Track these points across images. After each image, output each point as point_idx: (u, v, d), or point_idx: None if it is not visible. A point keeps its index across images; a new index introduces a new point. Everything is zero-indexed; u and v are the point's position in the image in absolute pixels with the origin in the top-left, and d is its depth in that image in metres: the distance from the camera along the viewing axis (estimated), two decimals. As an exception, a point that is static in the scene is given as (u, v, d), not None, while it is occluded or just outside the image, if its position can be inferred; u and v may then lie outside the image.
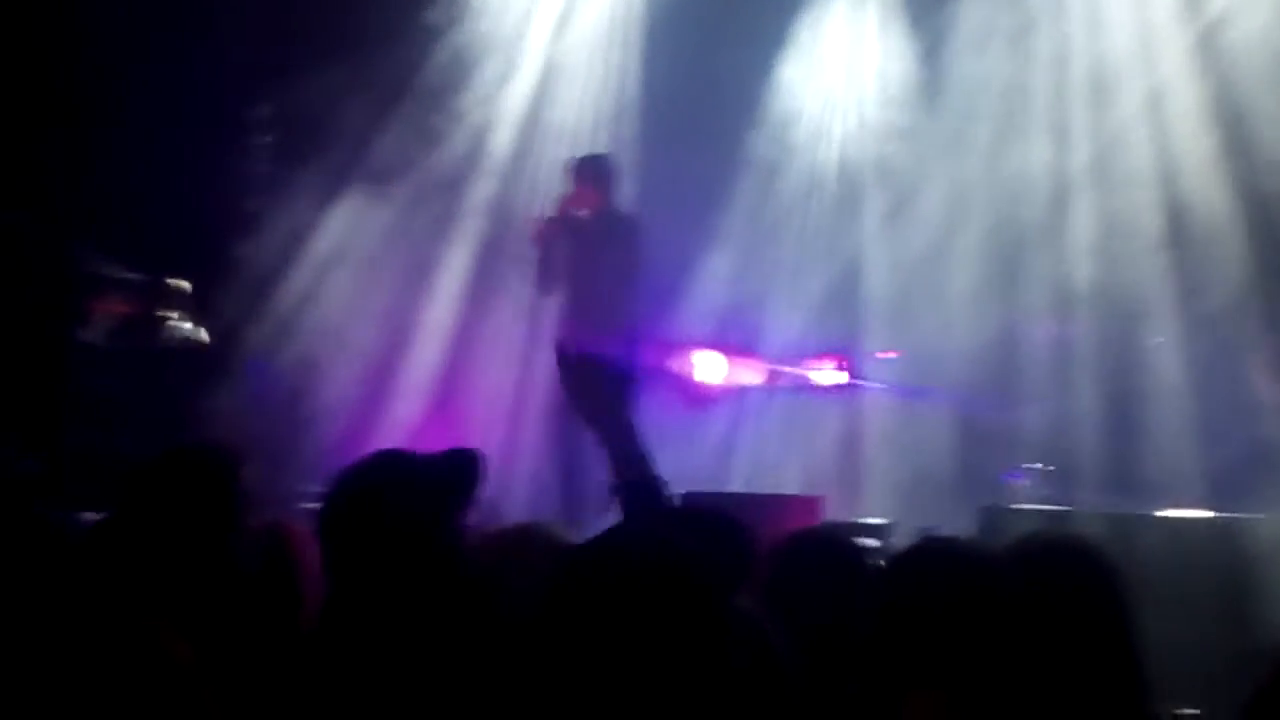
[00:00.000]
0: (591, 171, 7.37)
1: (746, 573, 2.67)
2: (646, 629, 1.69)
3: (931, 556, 2.45)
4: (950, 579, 2.31)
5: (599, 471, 7.03)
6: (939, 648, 2.25)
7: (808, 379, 9.06)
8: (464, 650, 2.26)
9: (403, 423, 8.20)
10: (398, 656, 2.25)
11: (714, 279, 9.23)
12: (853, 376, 8.94)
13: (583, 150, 8.20)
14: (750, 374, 9.07)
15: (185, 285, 7.43)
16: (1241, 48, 8.16)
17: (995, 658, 2.25)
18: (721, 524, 2.75)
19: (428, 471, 2.42)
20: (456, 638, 2.28)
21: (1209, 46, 8.26)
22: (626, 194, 8.48)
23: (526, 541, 2.77)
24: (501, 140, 8.94)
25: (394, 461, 2.48)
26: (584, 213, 7.28)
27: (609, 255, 7.15)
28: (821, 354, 9.13)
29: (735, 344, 9.08)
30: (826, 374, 9.01)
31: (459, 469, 2.43)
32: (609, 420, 6.89)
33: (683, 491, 6.37)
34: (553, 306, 7.57)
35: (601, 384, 6.92)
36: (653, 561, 1.75)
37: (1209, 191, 8.09)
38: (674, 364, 8.80)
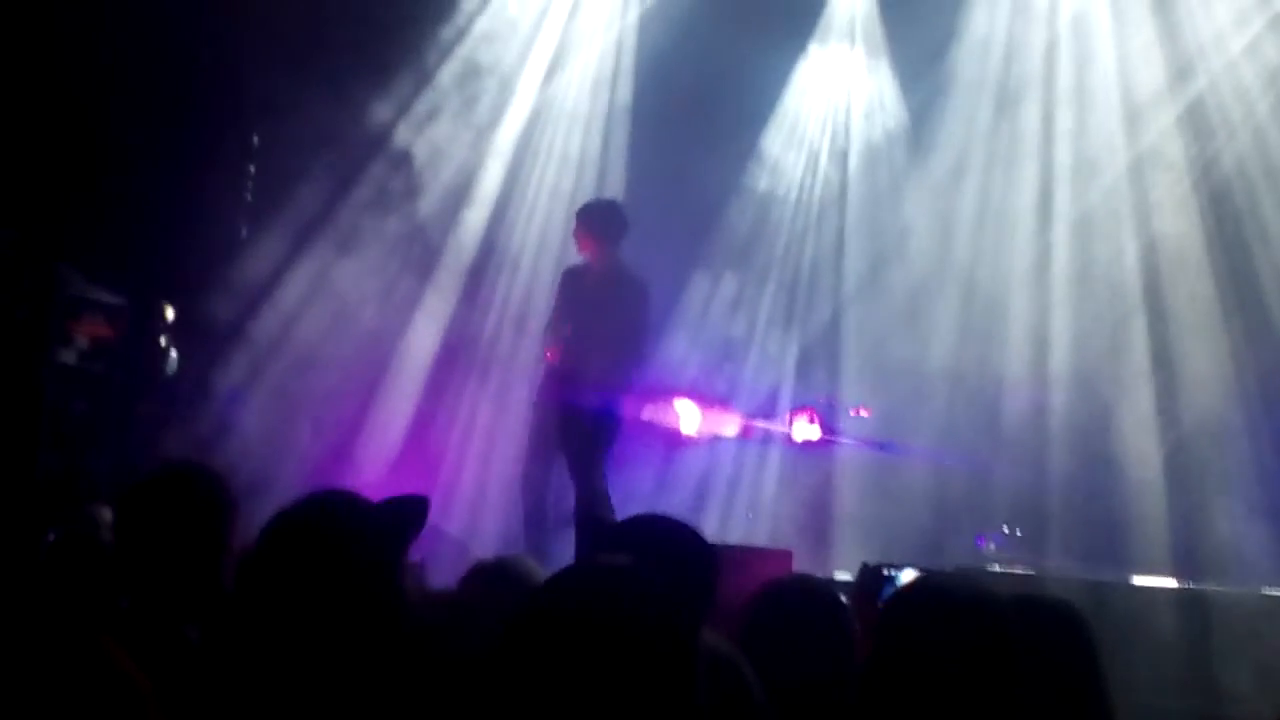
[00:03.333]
0: (592, 219, 7.30)
1: (712, 594, 2.64)
2: (612, 666, 1.66)
3: (938, 596, 2.31)
4: (956, 621, 2.20)
5: (565, 502, 7.02)
6: (942, 693, 2.15)
7: (782, 432, 9.07)
8: (401, 683, 2.24)
9: (376, 459, 8.17)
10: (331, 688, 2.22)
11: (692, 331, 9.25)
12: (826, 432, 8.95)
13: (585, 196, 8.21)
14: (725, 425, 9.07)
15: (167, 310, 7.41)
16: (1225, 122, 8.28)
17: (992, 708, 2.17)
18: (682, 545, 2.71)
19: (370, 509, 2.40)
20: (389, 677, 2.25)
21: (1193, 120, 8.37)
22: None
23: (499, 577, 2.76)
24: (489, 179, 8.97)
25: (334, 501, 2.46)
26: (590, 262, 7.23)
27: (614, 313, 7.10)
28: (796, 409, 9.15)
29: (711, 396, 9.09)
30: (800, 428, 9.03)
31: (403, 509, 2.42)
32: (586, 459, 6.92)
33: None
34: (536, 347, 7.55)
35: (585, 427, 6.94)
36: (620, 595, 1.72)
37: (1188, 265, 8.17)
38: (650, 413, 8.81)
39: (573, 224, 7.38)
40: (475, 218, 8.92)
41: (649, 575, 1.76)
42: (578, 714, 1.64)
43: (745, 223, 9.52)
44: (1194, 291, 8.12)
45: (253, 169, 8.46)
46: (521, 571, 2.71)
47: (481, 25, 9.00)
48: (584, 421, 6.89)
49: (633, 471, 8.31)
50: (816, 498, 8.80)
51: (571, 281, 7.28)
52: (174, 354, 7.37)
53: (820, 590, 2.97)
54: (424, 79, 8.75)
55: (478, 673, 2.14)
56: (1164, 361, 8.09)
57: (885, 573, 3.56)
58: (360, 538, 2.34)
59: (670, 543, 2.68)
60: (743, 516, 8.99)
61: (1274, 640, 5.56)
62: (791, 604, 2.85)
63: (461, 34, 8.94)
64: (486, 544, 7.26)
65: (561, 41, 9.27)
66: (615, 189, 9.06)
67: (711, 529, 8.72)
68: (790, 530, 8.47)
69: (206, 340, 7.85)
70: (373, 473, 7.84)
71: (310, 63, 8.14)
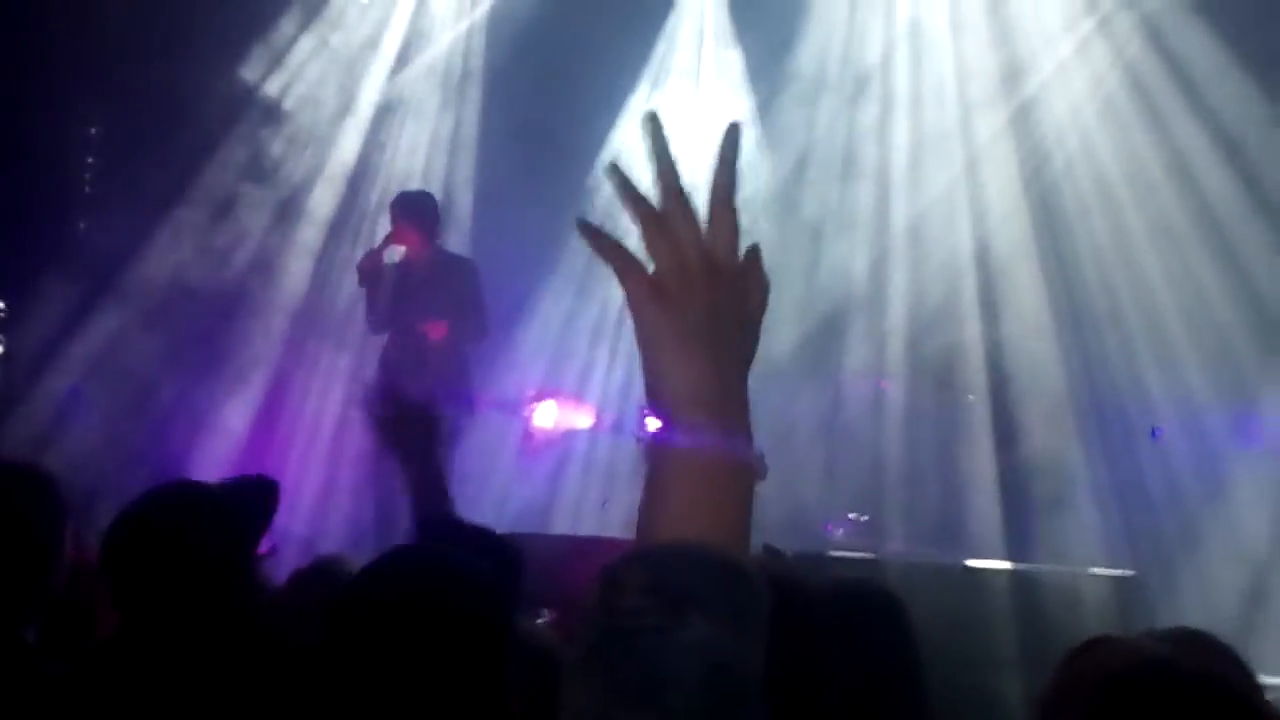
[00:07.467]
0: (410, 209, 7.36)
1: (517, 586, 2.66)
2: (429, 649, 1.71)
3: None
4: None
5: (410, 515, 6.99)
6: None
7: (637, 424, 9.14)
8: (250, 681, 2.24)
9: (219, 458, 8.05)
10: (181, 689, 2.22)
11: (546, 323, 9.28)
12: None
13: (407, 187, 8.22)
14: (580, 418, 9.12)
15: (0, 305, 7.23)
16: (1053, 126, 8.58)
17: (804, 694, 2.18)
18: (489, 541, 2.74)
19: (217, 502, 2.38)
20: (243, 669, 2.25)
21: (1023, 124, 8.66)
22: (461, 237, 8.53)
23: (319, 580, 2.77)
24: (334, 175, 8.90)
25: (180, 493, 2.43)
26: (410, 253, 7.26)
27: (441, 298, 7.14)
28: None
29: (565, 389, 9.13)
30: (653, 421, 9.09)
31: (251, 499, 2.40)
32: (418, 465, 6.88)
33: (504, 533, 6.36)
34: (378, 345, 7.52)
35: (417, 428, 6.90)
36: (434, 579, 1.77)
37: (1018, 258, 8.47)
38: (505, 407, 8.81)
39: (391, 218, 7.38)
40: (324, 201, 8.84)
41: (459, 557, 1.79)
42: (394, 686, 1.68)
43: (595, 217, 9.57)
44: (1025, 290, 8.41)
45: (90, 160, 8.28)
46: (341, 571, 2.72)
47: (336, 4, 8.98)
48: (421, 419, 6.87)
49: (485, 467, 8.31)
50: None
51: (389, 276, 7.27)
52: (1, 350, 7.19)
53: None
54: (275, 58, 8.66)
55: (302, 666, 2.15)
56: (997, 358, 8.36)
57: None
58: (208, 533, 2.31)
59: (475, 539, 2.72)
60: (596, 508, 9.04)
61: (1100, 618, 5.78)
62: None
63: (314, 14, 8.88)
64: (334, 543, 7.22)
65: (412, 26, 9.27)
66: (464, 179, 9.09)
67: (565, 521, 8.79)
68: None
69: (42, 337, 7.66)
70: (217, 470, 7.72)
71: (153, 47, 7.99)
